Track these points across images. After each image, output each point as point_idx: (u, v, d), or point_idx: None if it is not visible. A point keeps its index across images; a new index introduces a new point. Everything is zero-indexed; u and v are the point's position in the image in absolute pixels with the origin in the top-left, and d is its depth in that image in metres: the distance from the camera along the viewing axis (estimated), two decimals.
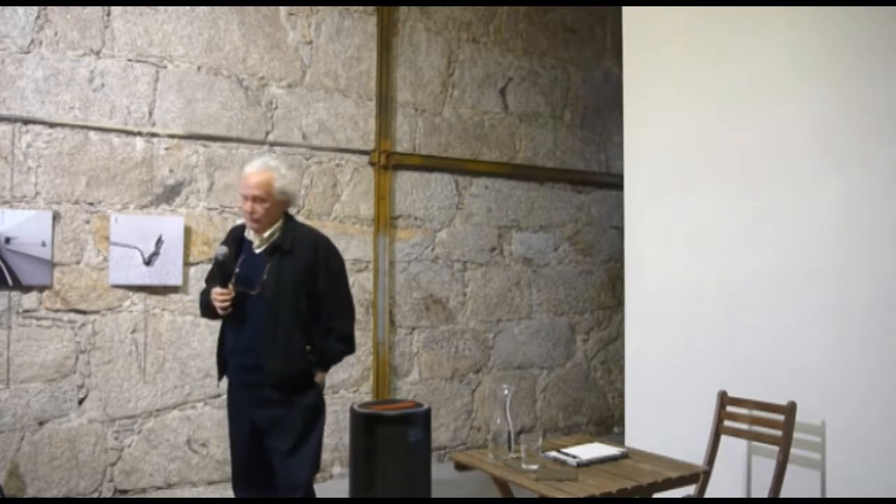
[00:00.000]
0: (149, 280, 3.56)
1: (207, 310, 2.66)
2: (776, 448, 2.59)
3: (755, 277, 2.91)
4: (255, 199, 2.53)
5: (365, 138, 4.23)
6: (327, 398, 4.07)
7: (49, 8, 3.42)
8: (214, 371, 3.86)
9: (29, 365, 3.34)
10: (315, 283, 2.59)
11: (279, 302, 2.53)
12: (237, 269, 2.60)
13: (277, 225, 2.62)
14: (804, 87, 2.77)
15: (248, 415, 2.60)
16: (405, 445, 3.00)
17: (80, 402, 3.45)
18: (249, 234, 2.65)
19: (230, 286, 2.54)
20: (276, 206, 2.58)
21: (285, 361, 2.53)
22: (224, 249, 2.55)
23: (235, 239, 2.67)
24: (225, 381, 2.73)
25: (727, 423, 2.83)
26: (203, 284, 4.00)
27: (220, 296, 2.52)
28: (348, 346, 2.72)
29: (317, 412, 2.65)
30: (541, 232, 4.95)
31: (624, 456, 2.48)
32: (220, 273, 2.56)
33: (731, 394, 2.86)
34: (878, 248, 2.53)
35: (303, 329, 2.58)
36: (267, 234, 2.61)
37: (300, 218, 3.97)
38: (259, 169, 2.58)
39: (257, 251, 2.61)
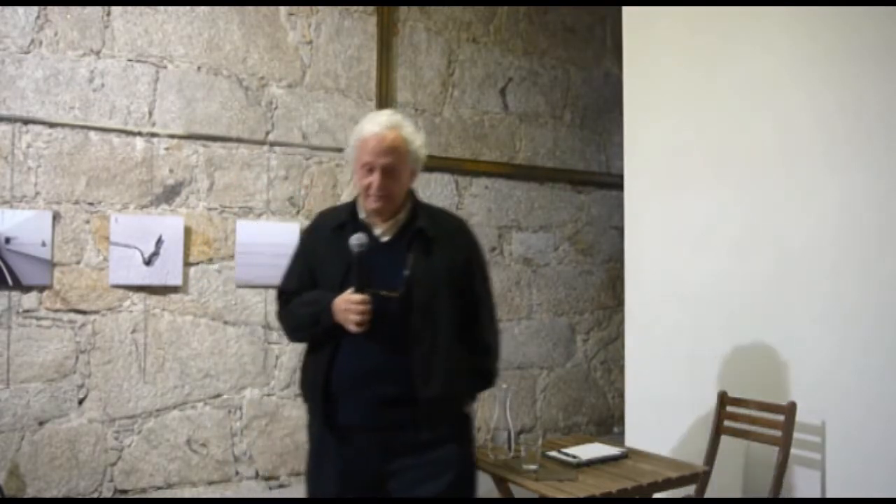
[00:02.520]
0: (149, 280, 3.56)
1: (308, 330, 1.95)
2: (776, 448, 2.59)
3: (755, 277, 2.91)
4: (385, 169, 1.88)
5: None
6: None
7: (49, 8, 3.42)
8: (214, 371, 3.89)
9: (29, 365, 3.34)
10: (469, 283, 1.98)
11: (435, 306, 1.88)
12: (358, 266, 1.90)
13: (410, 205, 2.01)
14: (804, 88, 2.77)
15: (374, 471, 1.88)
16: None
17: (80, 402, 3.45)
18: (365, 220, 1.97)
19: (366, 291, 1.84)
20: (408, 177, 1.97)
21: (447, 389, 1.87)
22: (363, 237, 1.86)
23: (336, 228, 1.96)
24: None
25: (727, 423, 2.83)
26: (206, 283, 4.01)
27: (359, 305, 1.80)
28: (495, 372, 2.06)
29: (474, 464, 2.03)
30: (541, 232, 4.95)
31: (624, 456, 2.48)
32: (358, 272, 1.85)
33: (731, 394, 2.86)
34: (879, 247, 2.53)
35: (463, 345, 1.94)
36: (399, 216, 1.97)
37: (302, 220, 3.99)
38: (388, 126, 1.90)
39: (384, 240, 1.96)
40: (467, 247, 2.02)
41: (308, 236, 2.10)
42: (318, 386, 1.90)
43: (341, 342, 1.88)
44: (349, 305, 1.82)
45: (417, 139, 1.97)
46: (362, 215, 1.97)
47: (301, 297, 1.99)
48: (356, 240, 1.85)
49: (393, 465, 1.86)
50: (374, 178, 1.88)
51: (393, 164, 1.89)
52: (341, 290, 1.85)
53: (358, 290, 1.83)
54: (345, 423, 1.88)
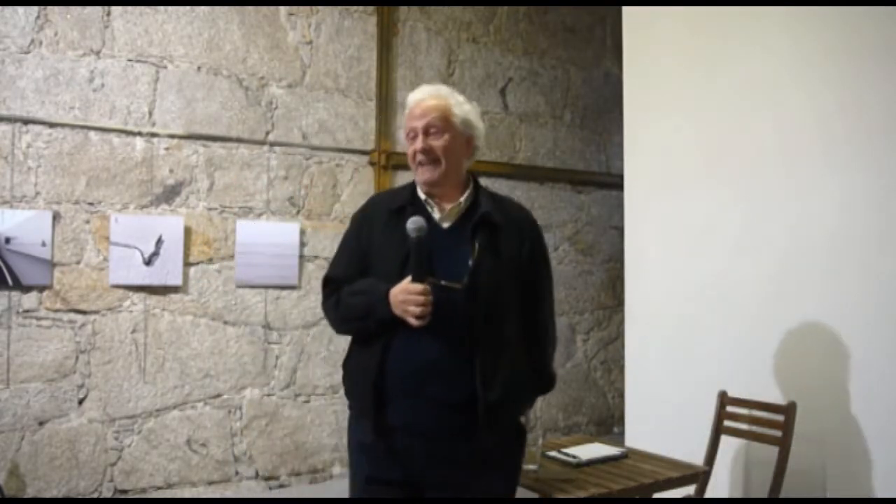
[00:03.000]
0: (149, 280, 3.56)
1: (359, 321, 1.76)
2: (776, 448, 2.59)
3: (755, 277, 2.91)
4: (427, 129, 1.76)
5: (365, 138, 4.23)
6: (326, 399, 4.11)
7: (49, 8, 3.42)
8: (214, 371, 3.88)
9: (29, 365, 3.34)
10: (532, 278, 1.82)
11: (501, 301, 1.73)
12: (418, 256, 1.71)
13: (470, 189, 1.84)
14: (804, 88, 2.77)
15: (418, 481, 1.70)
16: None
17: (80, 402, 3.45)
18: (425, 200, 1.81)
19: (425, 280, 1.65)
20: (458, 145, 1.79)
21: (509, 394, 1.69)
22: (421, 221, 1.67)
23: (394, 211, 1.79)
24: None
25: (727, 423, 2.83)
26: (206, 283, 4.01)
27: (419, 296, 1.62)
28: (553, 377, 1.90)
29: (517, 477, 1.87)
30: None
31: (624, 456, 2.48)
32: (416, 260, 1.66)
33: (731, 394, 2.86)
34: (879, 247, 2.53)
35: (528, 343, 1.80)
36: (461, 200, 1.80)
37: (302, 220, 3.99)
38: (430, 93, 1.81)
39: (445, 226, 1.79)
40: (534, 238, 1.84)
41: (361, 219, 1.88)
42: (368, 383, 1.69)
43: (394, 336, 1.69)
44: (408, 296, 1.63)
45: (468, 107, 1.83)
46: (423, 198, 1.81)
47: (352, 285, 1.79)
48: (413, 223, 1.67)
49: (437, 474, 1.68)
50: (418, 145, 1.76)
51: (435, 123, 1.75)
52: (399, 279, 1.67)
53: (416, 280, 1.64)
54: (394, 424, 1.69)
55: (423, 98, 1.79)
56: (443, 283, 1.66)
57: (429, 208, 1.80)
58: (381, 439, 1.71)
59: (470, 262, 1.69)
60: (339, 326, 1.86)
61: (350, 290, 1.79)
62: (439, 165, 1.75)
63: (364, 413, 1.74)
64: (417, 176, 1.80)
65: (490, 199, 1.85)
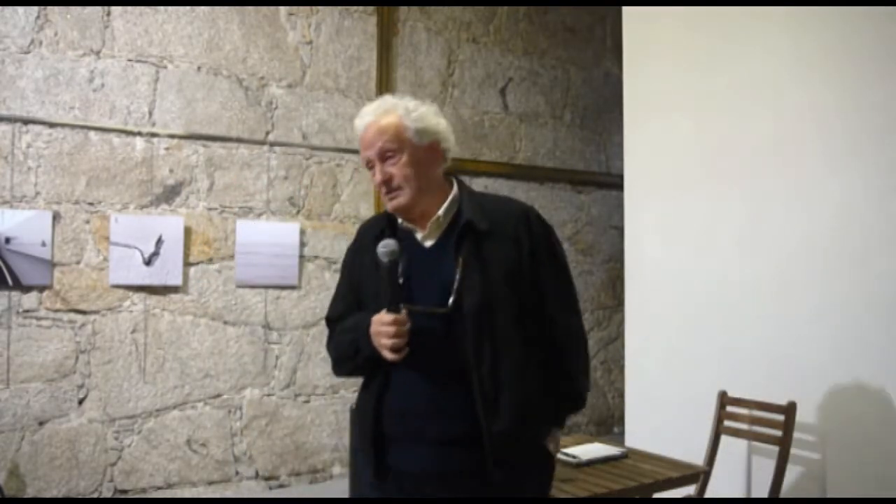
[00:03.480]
0: (149, 280, 3.56)
1: (350, 361, 1.65)
2: (776, 448, 2.59)
3: (755, 277, 2.91)
4: (382, 155, 1.61)
5: None
6: (326, 399, 4.11)
7: (49, 8, 3.42)
8: (214, 371, 3.89)
9: (29, 365, 3.34)
10: (535, 280, 1.62)
11: (492, 318, 1.54)
12: (400, 279, 1.58)
13: (451, 196, 1.66)
14: (804, 88, 2.77)
15: None
16: None
17: (80, 402, 3.44)
18: (405, 225, 1.67)
19: (402, 309, 1.51)
20: (421, 159, 1.63)
21: (520, 419, 1.52)
22: (392, 244, 1.54)
23: (375, 238, 1.63)
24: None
25: (727, 423, 2.83)
26: (206, 283, 4.01)
27: (390, 326, 1.49)
28: (585, 387, 1.68)
29: None
30: None
31: (624, 456, 2.48)
32: (388, 286, 1.52)
33: (731, 394, 2.86)
34: (878, 247, 2.53)
35: (538, 358, 1.61)
36: (439, 213, 1.63)
37: (302, 220, 3.99)
38: (375, 112, 1.64)
39: (428, 244, 1.64)
40: (530, 236, 1.62)
41: (352, 252, 1.79)
42: (367, 426, 1.58)
43: (391, 373, 1.57)
44: (379, 328, 1.50)
45: (422, 110, 1.65)
46: (401, 220, 1.67)
47: (344, 322, 1.70)
48: (383, 247, 1.53)
49: None
50: (377, 175, 1.62)
51: (388, 147, 1.60)
52: (391, 307, 1.52)
53: (390, 308, 1.50)
54: (402, 469, 1.56)
55: (369, 122, 1.63)
56: (420, 308, 1.53)
57: (411, 229, 1.65)
58: (387, 484, 1.58)
59: (455, 281, 1.53)
60: (337, 368, 1.72)
61: (341, 327, 1.70)
62: (404, 191, 1.60)
63: (366, 458, 1.61)
64: (388, 205, 1.65)
65: (475, 202, 1.65)
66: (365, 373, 1.66)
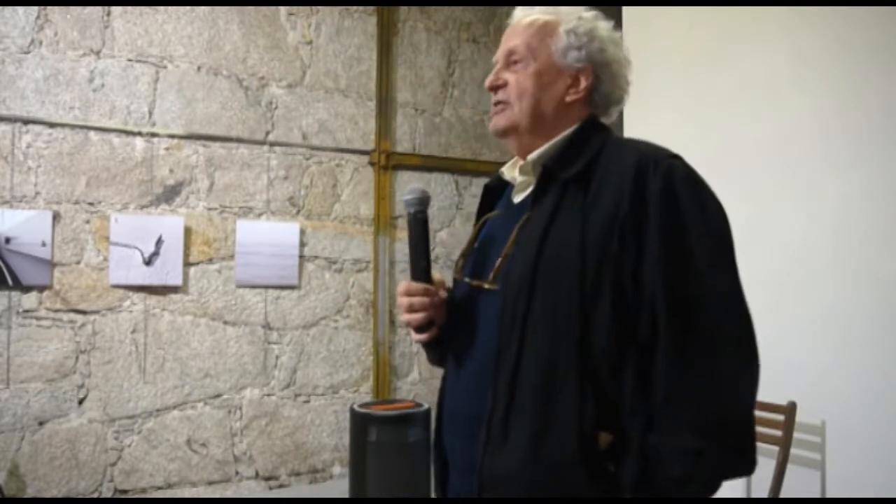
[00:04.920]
0: (149, 280, 3.56)
1: (428, 349, 1.29)
2: (776, 448, 2.58)
3: (755, 277, 2.90)
4: (507, 58, 1.25)
5: (365, 138, 4.23)
6: (326, 399, 4.11)
7: (49, 8, 3.42)
8: (214, 371, 3.89)
9: (29, 365, 3.34)
10: (633, 267, 1.06)
11: (532, 308, 1.09)
12: (476, 244, 1.27)
13: (558, 137, 1.21)
14: (804, 87, 2.77)
15: None
16: (405, 445, 3.00)
17: (80, 402, 3.44)
18: (509, 172, 1.30)
19: (435, 278, 1.24)
20: (555, 79, 1.21)
21: (532, 463, 1.05)
22: (419, 191, 1.26)
23: (488, 190, 1.33)
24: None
25: None
26: (206, 283, 4.01)
27: (404, 297, 1.23)
28: (716, 452, 1.00)
29: None
30: None
31: None
32: (412, 245, 1.24)
33: None
34: (878, 246, 2.53)
35: (591, 381, 1.04)
36: (530, 157, 1.22)
37: (302, 220, 3.99)
38: (522, 12, 1.27)
39: (516, 200, 1.25)
40: (634, 199, 1.07)
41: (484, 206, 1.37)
42: (436, 420, 1.28)
43: (449, 362, 1.26)
44: (400, 299, 1.23)
45: (592, 30, 1.21)
46: (507, 169, 1.31)
47: None
48: (409, 195, 1.24)
49: None
50: (490, 74, 1.26)
51: (514, 47, 1.23)
52: (416, 276, 1.24)
53: (414, 276, 1.22)
54: (440, 479, 1.27)
55: (520, 17, 1.27)
56: (467, 280, 1.20)
57: (511, 178, 1.29)
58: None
59: (505, 250, 1.15)
60: (430, 359, 1.36)
61: None
62: (511, 108, 1.22)
63: (436, 460, 1.29)
64: (490, 125, 1.29)
65: (592, 144, 1.16)
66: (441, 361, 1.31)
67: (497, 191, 1.33)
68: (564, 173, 1.14)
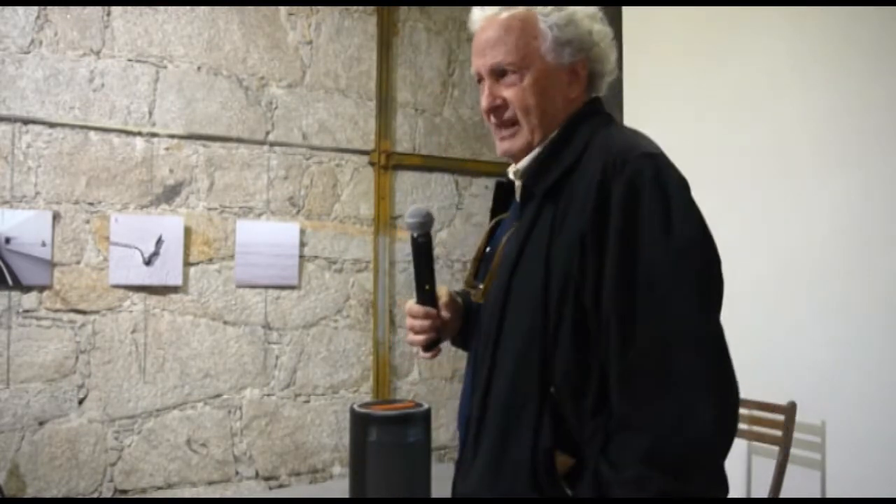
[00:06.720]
0: (149, 280, 3.56)
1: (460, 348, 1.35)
2: (776, 448, 2.59)
3: (755, 277, 2.91)
4: (492, 72, 1.18)
5: (365, 138, 4.23)
6: (326, 399, 4.11)
7: (49, 8, 3.42)
8: (214, 371, 3.90)
9: (29, 365, 3.34)
10: (597, 282, 1.02)
11: (507, 319, 1.09)
12: (487, 249, 1.24)
13: (549, 138, 1.17)
14: (804, 87, 2.77)
15: None
16: (405, 445, 3.00)
17: (80, 402, 3.45)
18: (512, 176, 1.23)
19: (442, 294, 1.26)
20: (556, 83, 1.16)
21: (487, 481, 1.05)
22: (422, 211, 1.23)
23: (496, 199, 1.29)
24: None
25: None
26: (206, 283, 4.02)
27: (409, 318, 1.25)
28: (662, 483, 0.94)
29: None
30: None
31: None
32: (415, 264, 1.23)
33: None
34: (878, 246, 2.53)
35: (551, 404, 1.03)
36: (518, 165, 1.19)
37: (302, 220, 3.98)
38: (493, 10, 1.18)
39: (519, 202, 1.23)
40: (602, 205, 1.01)
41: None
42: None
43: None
44: (408, 321, 1.24)
45: (570, 15, 1.14)
46: (510, 173, 1.25)
47: None
48: (411, 217, 1.21)
49: None
50: (484, 93, 1.18)
51: (506, 59, 1.13)
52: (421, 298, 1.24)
53: (419, 298, 1.22)
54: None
55: (488, 17, 1.16)
56: (471, 292, 1.21)
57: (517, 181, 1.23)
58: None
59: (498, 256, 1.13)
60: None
61: None
62: (521, 129, 1.14)
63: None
64: (497, 147, 1.21)
65: (578, 136, 1.13)
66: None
67: (510, 188, 1.26)
68: (538, 189, 1.12)
